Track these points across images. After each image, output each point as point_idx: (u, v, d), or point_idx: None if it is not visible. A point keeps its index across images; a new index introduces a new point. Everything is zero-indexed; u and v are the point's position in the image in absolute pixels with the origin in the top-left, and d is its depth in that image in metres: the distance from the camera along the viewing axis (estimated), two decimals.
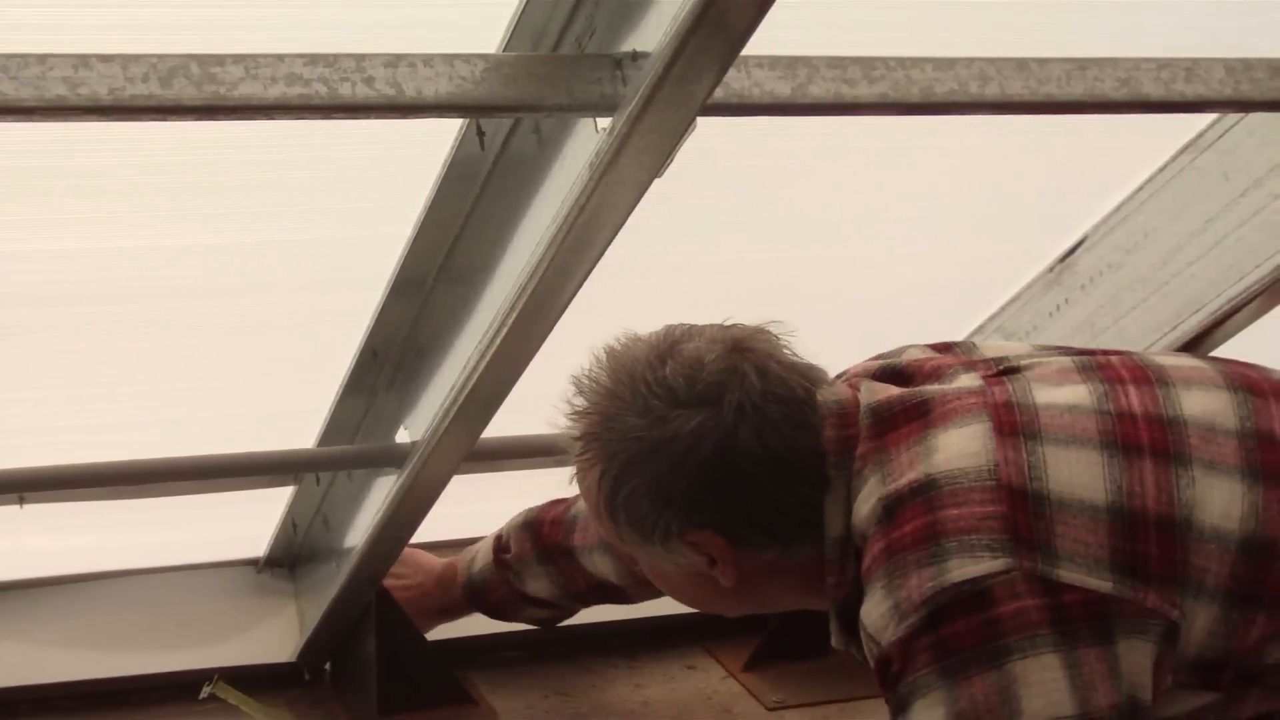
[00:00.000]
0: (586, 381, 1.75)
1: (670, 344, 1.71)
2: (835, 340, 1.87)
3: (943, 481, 1.60)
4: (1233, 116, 2.20)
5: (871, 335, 1.88)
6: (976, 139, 2.20)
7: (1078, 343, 2.40)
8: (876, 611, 1.61)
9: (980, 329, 2.59)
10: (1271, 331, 2.40)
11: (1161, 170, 2.32)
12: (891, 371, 1.78)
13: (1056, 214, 2.47)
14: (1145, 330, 2.36)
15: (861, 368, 1.82)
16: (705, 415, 1.66)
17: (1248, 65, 2.00)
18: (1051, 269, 2.49)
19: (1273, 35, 2.07)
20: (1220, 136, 2.24)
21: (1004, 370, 1.71)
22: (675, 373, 1.68)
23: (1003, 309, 2.56)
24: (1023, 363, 1.72)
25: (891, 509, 1.62)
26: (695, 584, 1.80)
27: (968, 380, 1.70)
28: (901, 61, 1.76)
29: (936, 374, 1.74)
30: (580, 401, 1.75)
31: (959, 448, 1.61)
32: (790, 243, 2.38)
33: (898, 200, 2.37)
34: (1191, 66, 1.96)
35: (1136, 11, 2.09)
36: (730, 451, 1.66)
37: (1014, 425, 1.61)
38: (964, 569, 1.55)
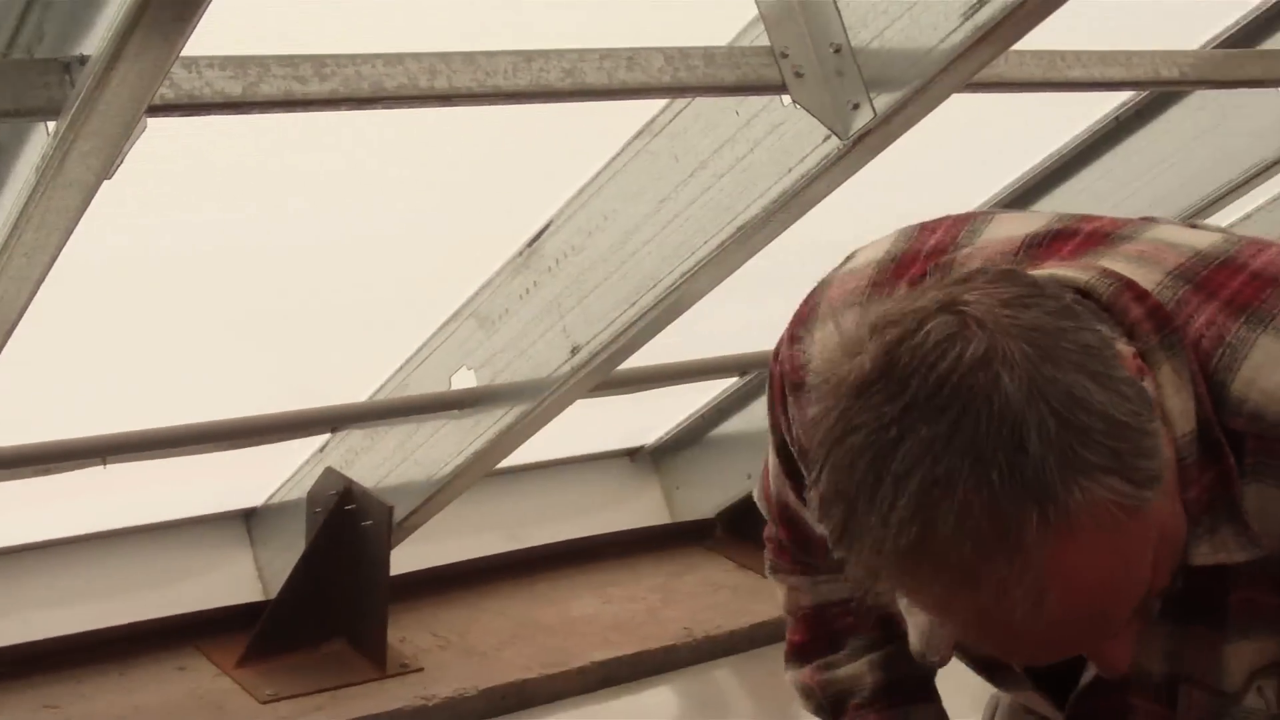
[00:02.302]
0: None
1: None
2: None
3: None
4: (681, 102, 2.32)
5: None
6: (448, 126, 2.26)
7: (545, 323, 2.49)
8: None
9: (456, 314, 2.64)
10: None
11: (619, 155, 2.43)
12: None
13: (525, 201, 2.56)
14: (608, 306, 2.46)
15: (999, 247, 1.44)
16: None
17: (684, 54, 2.12)
18: (521, 253, 2.57)
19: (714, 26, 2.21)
20: (671, 121, 2.36)
21: None
22: None
23: (477, 294, 2.62)
24: None
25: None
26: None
27: None
28: (352, 58, 1.80)
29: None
30: None
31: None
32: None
33: (375, 191, 2.41)
34: (632, 56, 2.06)
35: (581, 8, 2.18)
36: None
37: None
38: None
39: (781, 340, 1.56)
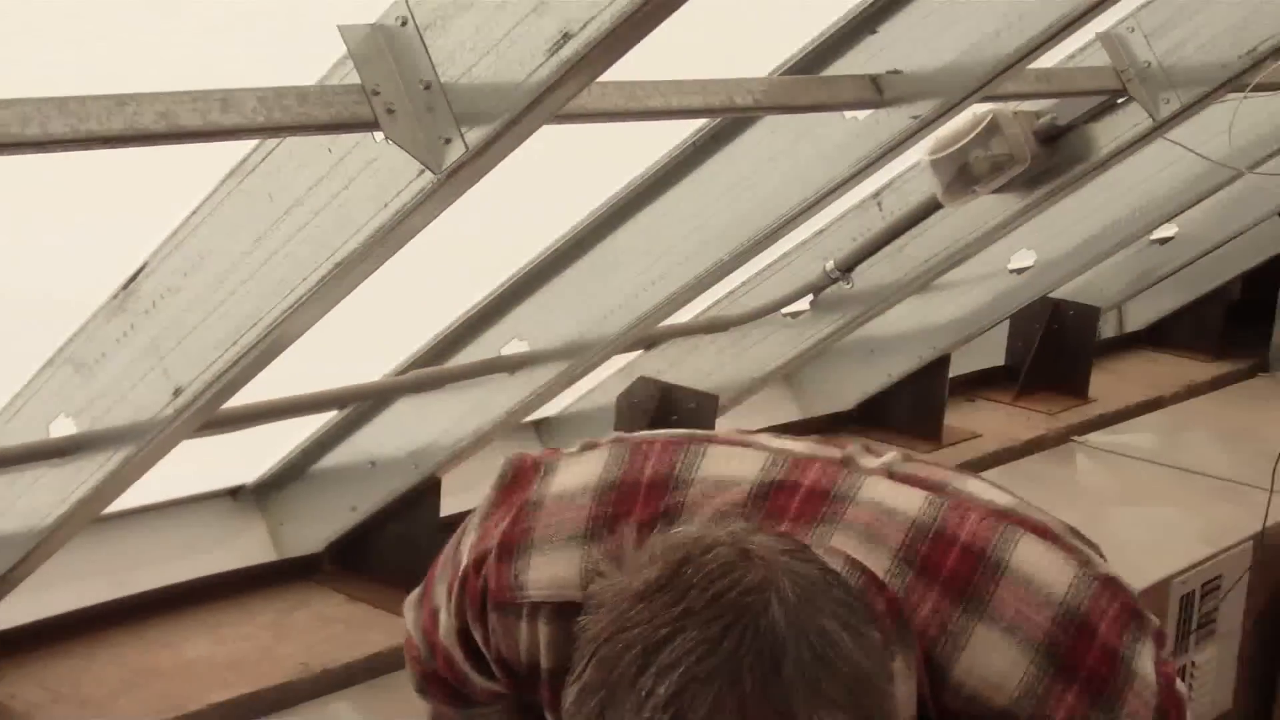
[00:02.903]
0: None
1: None
2: None
3: None
4: (273, 141, 2.33)
5: None
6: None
7: (145, 366, 2.46)
8: None
9: (50, 361, 2.58)
10: None
11: (212, 195, 2.42)
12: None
13: (121, 245, 2.52)
14: (209, 347, 2.44)
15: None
16: None
17: (279, 94, 2.14)
18: (116, 296, 2.53)
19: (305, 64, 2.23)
20: (263, 160, 2.36)
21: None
22: None
23: (71, 340, 2.57)
24: None
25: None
26: None
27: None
28: None
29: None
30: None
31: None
32: None
33: None
34: (226, 98, 2.07)
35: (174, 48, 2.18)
36: None
37: None
38: None
39: (483, 555, 1.69)
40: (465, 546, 1.77)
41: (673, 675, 1.30)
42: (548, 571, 1.61)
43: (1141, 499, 4.44)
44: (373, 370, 3.35)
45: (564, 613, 1.59)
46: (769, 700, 1.29)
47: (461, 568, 1.75)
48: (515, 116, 2.20)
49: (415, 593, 1.97)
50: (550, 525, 1.64)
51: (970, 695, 1.47)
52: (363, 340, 3.38)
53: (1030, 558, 1.54)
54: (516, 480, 1.76)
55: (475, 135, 2.22)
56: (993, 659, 1.47)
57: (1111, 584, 1.55)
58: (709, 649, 1.30)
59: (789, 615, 1.33)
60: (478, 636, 1.73)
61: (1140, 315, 5.82)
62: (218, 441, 3.04)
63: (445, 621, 1.82)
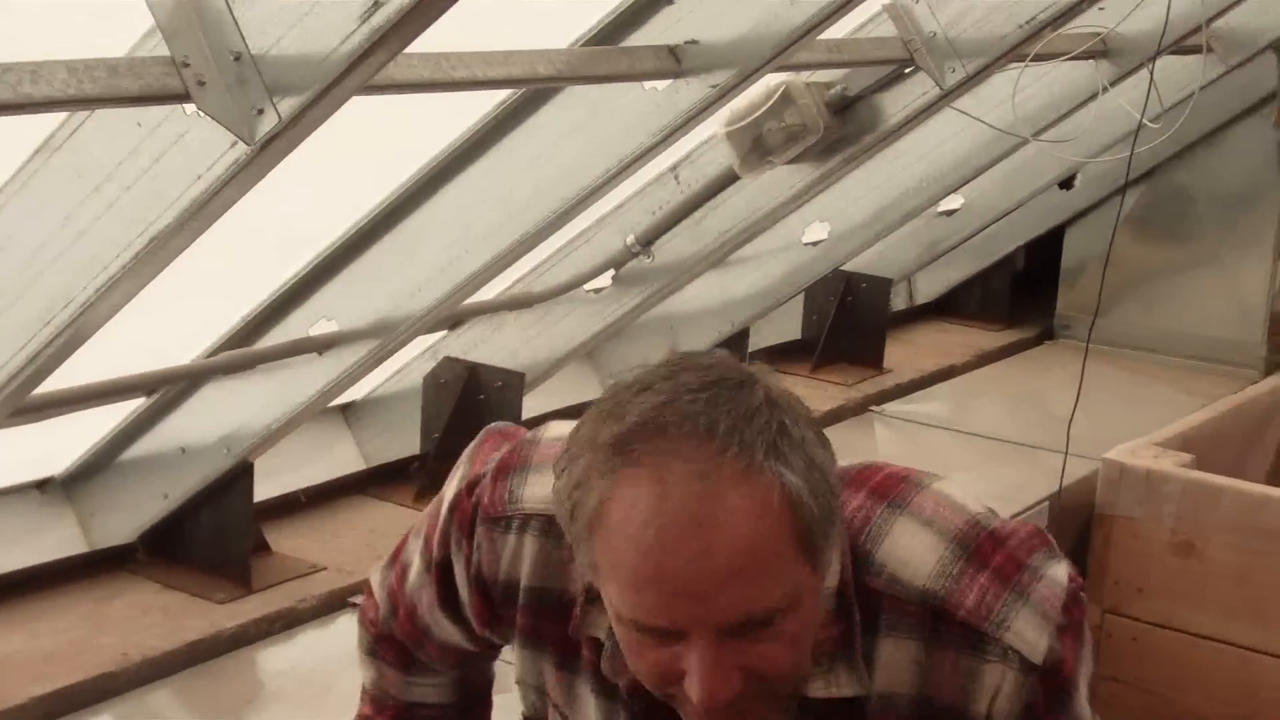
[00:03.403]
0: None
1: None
2: None
3: None
4: (81, 115, 2.30)
5: None
6: None
7: None
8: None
9: None
10: None
11: (18, 174, 2.38)
12: None
13: None
14: (19, 330, 2.42)
15: None
16: None
17: (89, 66, 2.12)
18: None
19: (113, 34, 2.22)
20: (70, 135, 2.34)
21: None
22: None
23: None
24: None
25: None
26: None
27: None
28: None
29: None
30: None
31: None
32: None
33: None
34: (36, 69, 2.05)
35: None
36: None
37: None
38: None
39: (476, 479, 1.79)
40: (451, 485, 1.84)
41: (657, 399, 1.48)
42: (543, 489, 1.65)
43: (940, 465, 4.50)
44: (178, 357, 3.31)
45: (553, 530, 1.66)
46: (737, 435, 1.45)
47: (450, 496, 1.82)
48: (328, 85, 2.21)
49: (384, 560, 2.01)
50: (548, 455, 1.70)
51: (891, 576, 1.59)
52: (168, 326, 3.35)
53: (950, 488, 1.70)
54: (502, 432, 1.89)
55: (288, 105, 2.22)
56: (911, 544, 1.60)
57: (1028, 524, 1.68)
58: (695, 389, 1.48)
59: (769, 397, 1.49)
60: (458, 565, 1.80)
61: (930, 287, 5.97)
62: (23, 433, 2.99)
63: (417, 570, 1.89)
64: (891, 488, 1.66)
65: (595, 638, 1.67)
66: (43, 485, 3.31)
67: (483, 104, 3.15)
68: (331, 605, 3.19)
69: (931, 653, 1.58)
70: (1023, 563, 1.60)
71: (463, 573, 1.80)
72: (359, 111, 2.45)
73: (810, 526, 1.47)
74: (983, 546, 1.60)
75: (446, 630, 1.89)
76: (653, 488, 1.44)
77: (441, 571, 1.84)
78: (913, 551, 1.60)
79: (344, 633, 3.08)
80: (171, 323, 3.27)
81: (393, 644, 1.98)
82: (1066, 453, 4.19)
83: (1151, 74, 4.06)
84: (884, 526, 1.62)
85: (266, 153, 2.26)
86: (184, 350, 3.30)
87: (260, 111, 2.23)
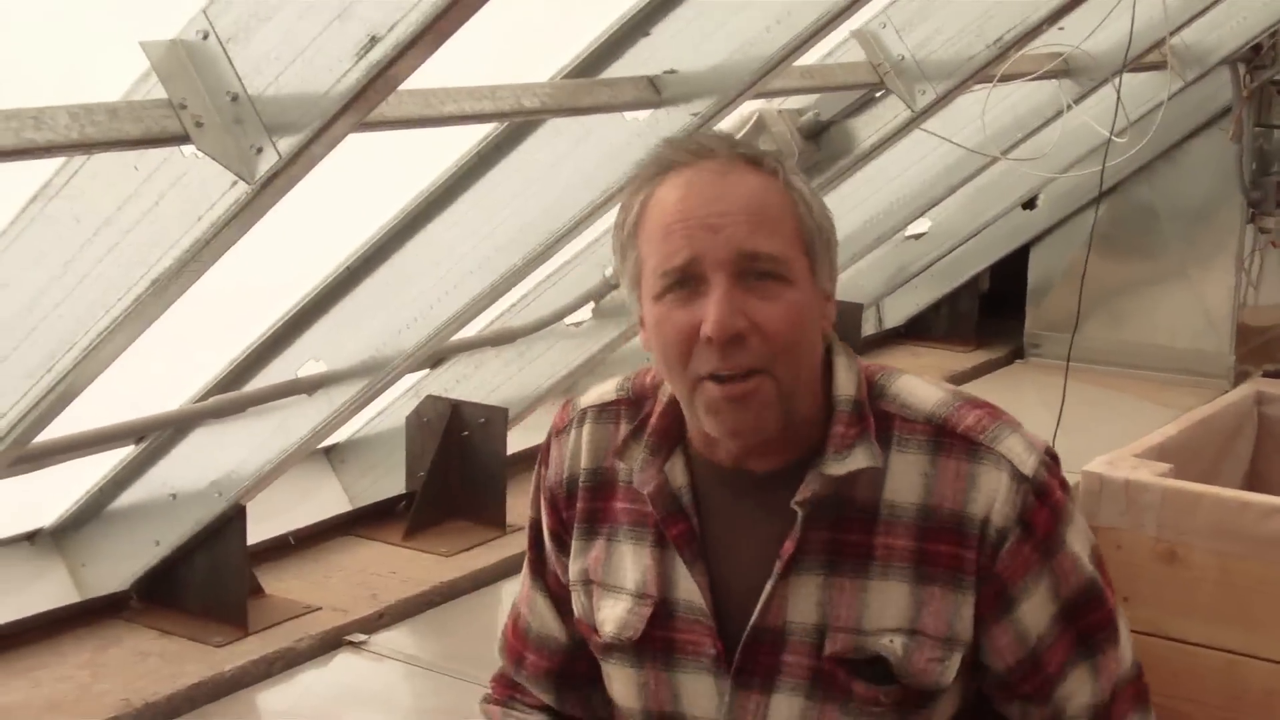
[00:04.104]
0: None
1: None
2: None
3: None
4: (78, 161, 2.31)
5: None
6: None
7: None
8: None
9: None
10: None
11: (14, 222, 2.39)
12: None
13: None
14: (20, 378, 2.42)
15: None
16: None
17: (88, 110, 2.14)
18: None
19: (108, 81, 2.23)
20: (67, 182, 2.35)
21: None
22: None
23: None
24: None
25: None
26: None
27: None
28: None
29: None
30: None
31: None
32: None
33: None
34: (38, 115, 2.06)
35: None
36: None
37: None
38: None
39: (549, 435, 2.06)
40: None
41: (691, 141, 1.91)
42: (595, 392, 2.02)
43: None
44: (163, 405, 3.30)
45: (603, 414, 2.00)
46: (753, 152, 1.86)
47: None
48: (327, 121, 2.22)
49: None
50: (605, 385, 2.04)
51: (902, 403, 1.89)
52: (152, 375, 3.34)
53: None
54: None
55: (287, 143, 2.24)
56: (916, 386, 1.91)
57: None
58: (721, 140, 1.90)
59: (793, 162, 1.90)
60: (543, 497, 2.05)
61: (898, 311, 6.01)
62: (10, 485, 2.98)
63: (523, 571, 2.14)
64: (891, 369, 1.96)
65: (629, 484, 1.95)
66: (32, 537, 3.30)
67: (465, 140, 3.17)
68: (329, 644, 3.18)
69: (935, 462, 1.84)
70: (1004, 414, 1.90)
71: (541, 499, 2.06)
72: (344, 149, 2.47)
73: (807, 222, 1.82)
74: (972, 399, 1.91)
75: (541, 614, 2.10)
76: (683, 176, 1.82)
77: (534, 533, 2.10)
78: (918, 390, 1.90)
79: (343, 671, 3.08)
80: (156, 371, 3.26)
81: (499, 680, 2.19)
82: None
83: (1119, 90, 4.12)
84: (893, 377, 1.92)
85: (267, 191, 2.28)
86: (168, 399, 3.29)
87: (259, 150, 2.24)
